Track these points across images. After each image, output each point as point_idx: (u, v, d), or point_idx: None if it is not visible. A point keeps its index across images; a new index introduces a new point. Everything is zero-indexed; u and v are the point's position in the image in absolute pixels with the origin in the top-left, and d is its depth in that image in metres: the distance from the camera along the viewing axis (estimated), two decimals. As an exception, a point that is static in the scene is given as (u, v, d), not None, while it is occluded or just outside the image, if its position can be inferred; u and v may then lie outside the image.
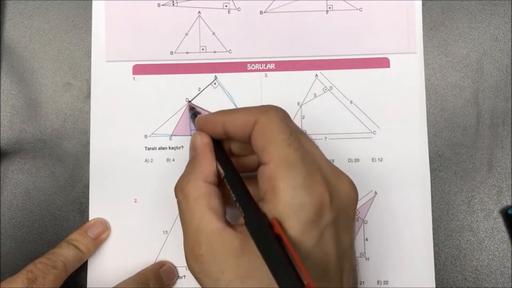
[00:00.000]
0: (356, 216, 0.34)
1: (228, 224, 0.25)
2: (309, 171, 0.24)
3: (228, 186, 0.26)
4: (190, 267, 0.25)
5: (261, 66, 0.35)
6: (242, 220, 0.24)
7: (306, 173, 0.24)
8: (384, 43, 0.35)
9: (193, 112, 0.33)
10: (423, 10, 0.36)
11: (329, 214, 0.24)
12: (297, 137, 0.25)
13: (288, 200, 0.23)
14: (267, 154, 0.24)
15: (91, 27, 0.36)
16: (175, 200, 0.34)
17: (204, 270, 0.24)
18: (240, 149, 0.29)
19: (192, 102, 0.35)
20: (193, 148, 0.28)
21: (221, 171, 0.27)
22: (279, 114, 0.26)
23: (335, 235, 0.24)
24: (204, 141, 0.28)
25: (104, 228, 0.34)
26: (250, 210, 0.24)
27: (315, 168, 0.24)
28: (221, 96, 0.35)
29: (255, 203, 0.24)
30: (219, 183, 0.27)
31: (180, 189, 0.27)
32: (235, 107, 0.35)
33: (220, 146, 0.28)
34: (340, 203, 0.25)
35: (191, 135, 0.35)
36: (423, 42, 0.36)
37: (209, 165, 0.27)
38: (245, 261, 0.23)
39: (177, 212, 0.34)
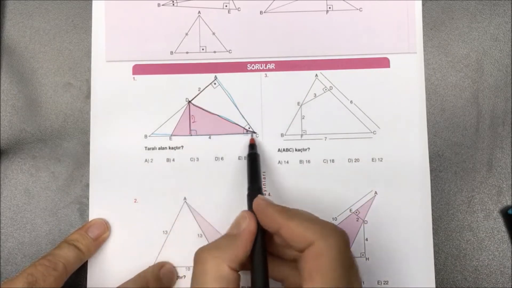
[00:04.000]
0: (356, 216, 0.34)
1: None
2: None
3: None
4: None
5: (261, 66, 0.35)
6: None
7: None
8: (384, 43, 0.35)
9: (251, 152, 0.33)
10: (423, 10, 0.36)
11: None
12: (350, 279, 0.24)
13: None
14: (312, 284, 0.24)
15: (91, 27, 0.36)
16: (175, 200, 0.34)
17: None
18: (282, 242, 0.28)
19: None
20: (236, 226, 0.27)
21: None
22: (340, 244, 0.24)
23: None
24: (250, 228, 0.27)
25: (104, 228, 0.33)
26: None
27: None
28: (221, 96, 0.35)
29: None
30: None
31: (200, 260, 0.26)
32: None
33: (263, 240, 0.27)
34: None
35: (191, 135, 0.35)
36: (423, 42, 0.36)
37: (242, 255, 0.26)
38: None
39: (177, 212, 0.34)
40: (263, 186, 0.34)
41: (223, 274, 0.25)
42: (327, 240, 0.24)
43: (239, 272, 0.26)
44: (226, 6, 0.36)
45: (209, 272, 0.25)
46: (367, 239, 0.34)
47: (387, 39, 0.35)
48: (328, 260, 0.24)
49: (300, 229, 0.25)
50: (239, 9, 0.36)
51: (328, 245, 0.24)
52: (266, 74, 0.35)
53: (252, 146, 0.34)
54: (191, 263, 0.34)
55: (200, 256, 0.26)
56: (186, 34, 0.36)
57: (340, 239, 0.25)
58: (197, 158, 0.35)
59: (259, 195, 0.29)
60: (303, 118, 0.35)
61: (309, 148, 0.35)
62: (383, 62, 0.35)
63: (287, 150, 0.35)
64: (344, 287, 0.23)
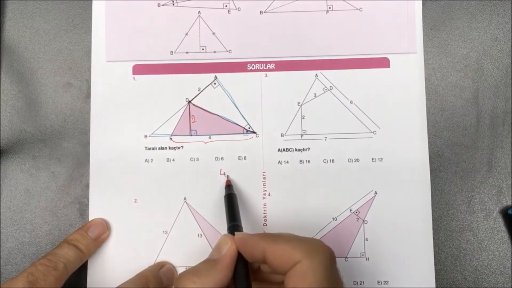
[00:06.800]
0: (356, 216, 0.34)
1: None
2: None
3: None
4: None
5: (261, 66, 0.35)
6: None
7: None
8: (384, 43, 0.35)
9: (229, 192, 0.33)
10: (423, 10, 0.36)
11: None
12: None
13: None
14: None
15: (91, 27, 0.36)
16: (175, 200, 0.34)
17: None
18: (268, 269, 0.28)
19: (229, 177, 0.34)
20: (217, 251, 0.27)
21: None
22: (325, 262, 0.24)
23: None
24: (230, 251, 0.26)
25: (104, 228, 0.34)
26: None
27: None
28: (221, 96, 0.35)
29: None
30: None
31: (182, 285, 0.25)
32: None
33: (245, 266, 0.27)
34: None
35: (191, 135, 0.35)
36: (423, 42, 0.36)
37: (223, 280, 0.25)
38: None
39: (177, 212, 0.34)
40: (263, 188, 0.34)
41: None
42: (312, 258, 0.24)
43: None
44: (226, 6, 0.36)
45: None
46: (367, 239, 0.34)
47: (387, 39, 0.35)
48: (314, 278, 0.24)
49: (286, 249, 0.25)
50: (239, 9, 0.36)
51: (314, 263, 0.24)
52: (266, 74, 0.35)
53: (229, 187, 0.33)
54: (191, 263, 0.34)
55: (179, 281, 0.26)
56: (186, 34, 0.36)
57: (325, 256, 0.25)
58: (197, 158, 0.35)
59: (237, 232, 0.28)
60: (303, 118, 0.35)
61: (309, 148, 0.35)
62: (383, 62, 0.35)
63: (287, 150, 0.35)
64: None
